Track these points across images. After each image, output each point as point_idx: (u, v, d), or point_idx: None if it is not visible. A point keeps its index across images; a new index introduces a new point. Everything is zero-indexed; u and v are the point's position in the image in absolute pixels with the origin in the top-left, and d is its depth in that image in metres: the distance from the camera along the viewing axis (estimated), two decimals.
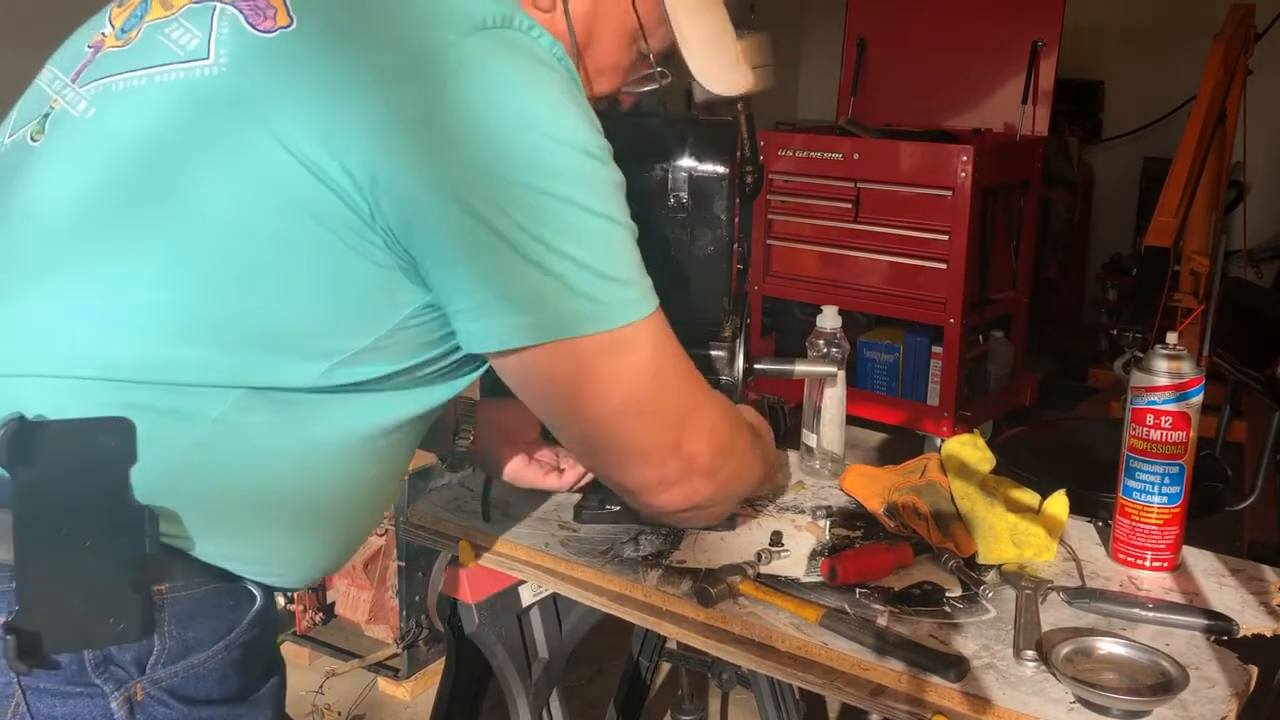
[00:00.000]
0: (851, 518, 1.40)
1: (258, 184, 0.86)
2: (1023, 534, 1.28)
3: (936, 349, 3.77)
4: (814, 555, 1.29)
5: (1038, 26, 3.90)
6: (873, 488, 1.40)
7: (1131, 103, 4.78)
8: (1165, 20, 4.57)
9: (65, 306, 0.88)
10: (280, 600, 2.55)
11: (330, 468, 0.95)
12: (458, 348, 0.96)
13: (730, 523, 1.36)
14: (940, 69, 4.07)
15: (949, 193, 3.54)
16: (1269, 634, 1.15)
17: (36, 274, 0.90)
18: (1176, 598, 1.22)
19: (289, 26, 0.91)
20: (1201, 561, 1.31)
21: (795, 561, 1.28)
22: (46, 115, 0.98)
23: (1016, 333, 4.04)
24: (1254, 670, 1.08)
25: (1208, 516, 1.90)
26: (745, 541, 1.33)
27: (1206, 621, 1.15)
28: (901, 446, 3.88)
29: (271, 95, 0.87)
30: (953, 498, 1.35)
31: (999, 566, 1.27)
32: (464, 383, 1.02)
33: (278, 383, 0.89)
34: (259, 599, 0.96)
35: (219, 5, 0.95)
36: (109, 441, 0.83)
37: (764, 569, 1.26)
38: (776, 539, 1.32)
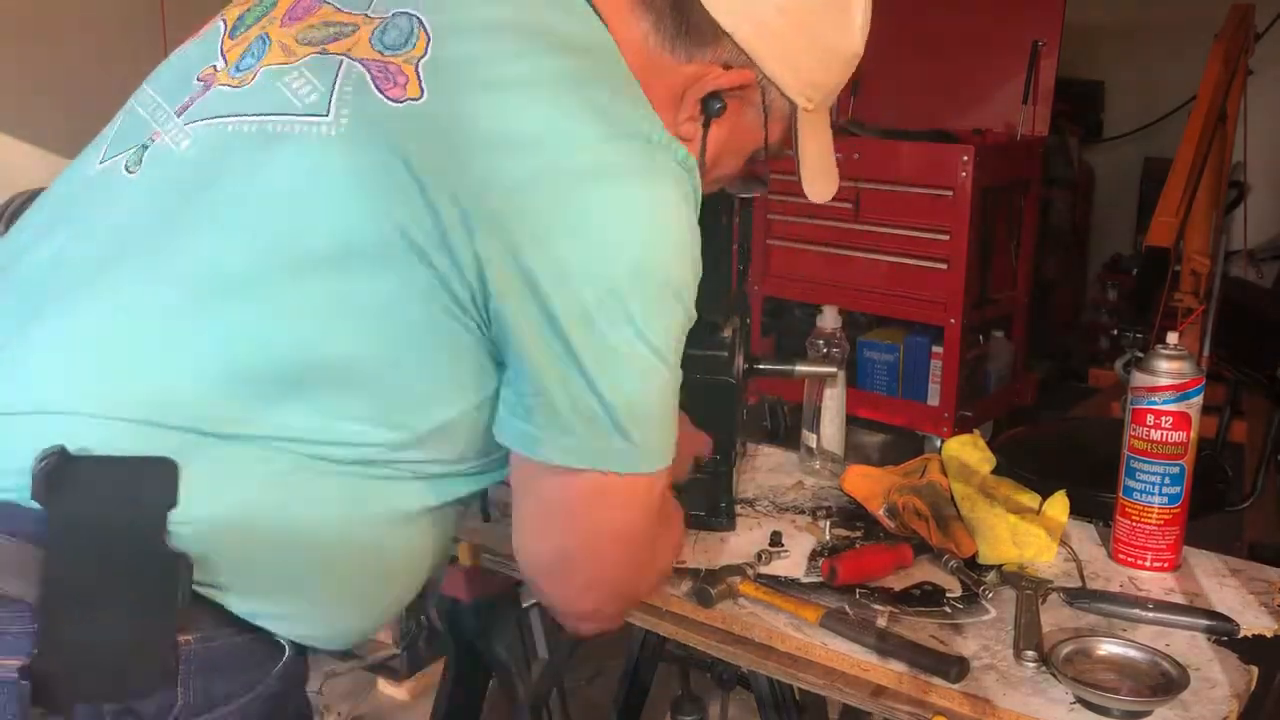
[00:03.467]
0: (851, 518, 1.40)
1: (370, 255, 0.85)
2: (1023, 534, 1.28)
3: (936, 349, 3.76)
4: (814, 555, 1.29)
5: (1038, 26, 3.89)
6: (873, 488, 1.40)
7: (1131, 103, 4.78)
8: (1165, 20, 4.56)
9: (135, 343, 0.86)
10: None
11: (379, 537, 0.94)
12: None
13: (730, 523, 1.36)
14: (940, 69, 4.06)
15: (949, 193, 3.53)
16: (1270, 634, 1.15)
17: (114, 302, 0.87)
18: (1177, 598, 1.22)
19: (419, 100, 0.88)
20: (1202, 562, 1.30)
21: (795, 561, 1.28)
22: (145, 147, 0.95)
23: (1016, 333, 4.03)
24: (1255, 671, 1.07)
25: (1208, 517, 1.90)
26: (745, 541, 1.33)
27: (1207, 622, 1.14)
28: (901, 446, 3.88)
29: (389, 168, 0.86)
30: (953, 498, 1.35)
31: (999, 567, 1.27)
32: None
33: (351, 451, 0.88)
34: (288, 652, 0.93)
35: (346, 60, 0.92)
36: (151, 482, 0.81)
37: (764, 569, 1.26)
38: (776, 539, 1.32)
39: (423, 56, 0.90)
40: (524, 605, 1.44)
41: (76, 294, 0.88)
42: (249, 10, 1.02)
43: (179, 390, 0.84)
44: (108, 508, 0.80)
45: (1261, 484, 2.25)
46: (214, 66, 0.98)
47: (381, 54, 0.91)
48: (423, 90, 0.88)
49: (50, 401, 0.84)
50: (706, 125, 1.00)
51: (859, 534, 1.36)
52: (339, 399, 0.87)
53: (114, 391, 0.84)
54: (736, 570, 1.22)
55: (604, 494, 0.93)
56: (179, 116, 0.95)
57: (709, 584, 1.19)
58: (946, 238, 3.57)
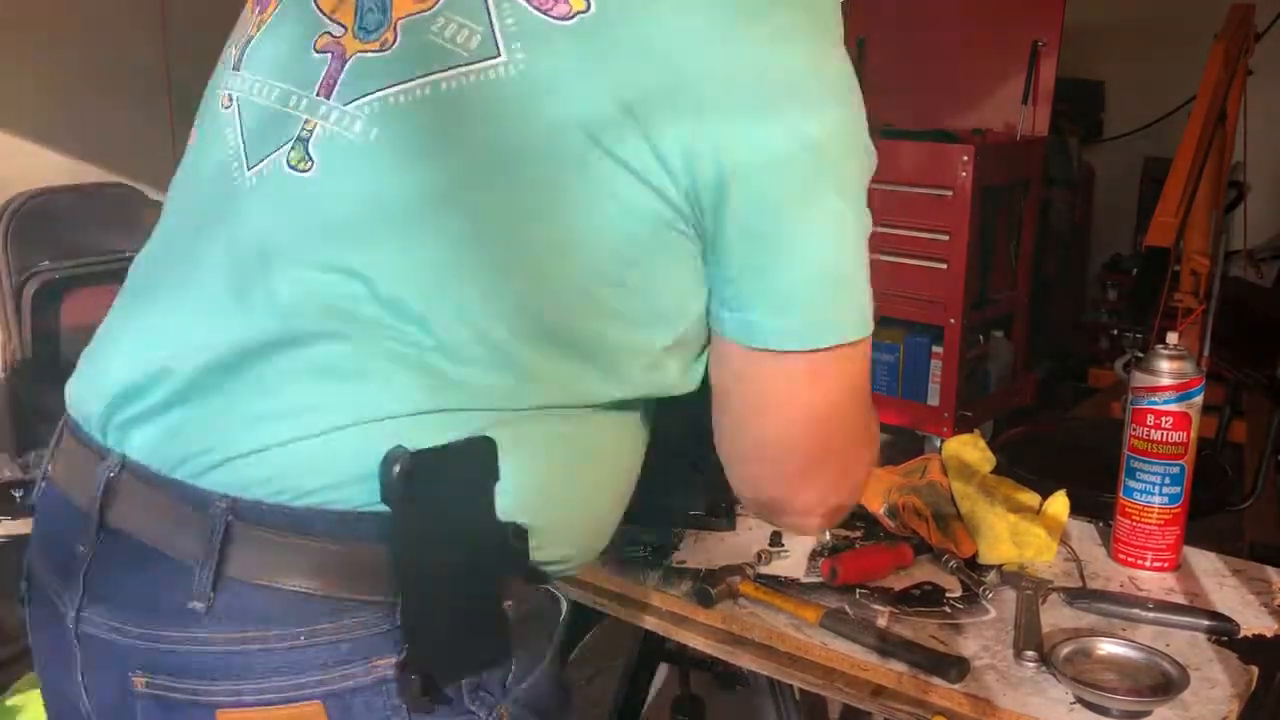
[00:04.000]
0: (851, 518, 1.40)
1: (601, 193, 0.82)
2: (1023, 534, 1.28)
3: (936, 349, 3.76)
4: (814, 555, 1.29)
5: (1038, 26, 3.89)
6: (873, 488, 1.40)
7: (1131, 103, 4.77)
8: (1165, 20, 4.56)
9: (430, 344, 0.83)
10: None
11: (633, 454, 0.96)
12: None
13: (730, 522, 1.36)
14: (940, 69, 4.06)
15: (949, 193, 3.53)
16: (1270, 634, 1.15)
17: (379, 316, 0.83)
18: (1177, 598, 1.22)
19: (587, 11, 0.82)
20: (1202, 562, 1.30)
21: (795, 561, 1.28)
22: (304, 140, 0.87)
23: (1016, 333, 4.03)
24: (1255, 671, 1.07)
25: (1208, 516, 1.91)
26: (745, 541, 1.33)
27: (1207, 622, 1.14)
28: (901, 446, 3.88)
29: (588, 96, 0.81)
30: (953, 498, 1.35)
31: (999, 567, 1.27)
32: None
33: (612, 387, 0.88)
34: (564, 602, 0.95)
35: None
36: (477, 464, 0.82)
37: (764, 569, 1.26)
38: (776, 539, 1.32)
39: None
40: None
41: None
42: None
43: (472, 375, 0.83)
44: (449, 498, 0.82)
45: (1261, 484, 2.25)
46: (329, 33, 0.90)
47: None
48: (588, 3, 0.82)
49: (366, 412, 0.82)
50: None
51: (859, 534, 1.36)
52: (602, 339, 0.87)
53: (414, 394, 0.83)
54: (736, 570, 1.22)
55: (826, 368, 0.89)
56: (328, 98, 0.87)
57: (709, 584, 1.19)
58: (946, 238, 3.57)
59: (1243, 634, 1.14)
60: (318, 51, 0.89)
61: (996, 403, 3.99)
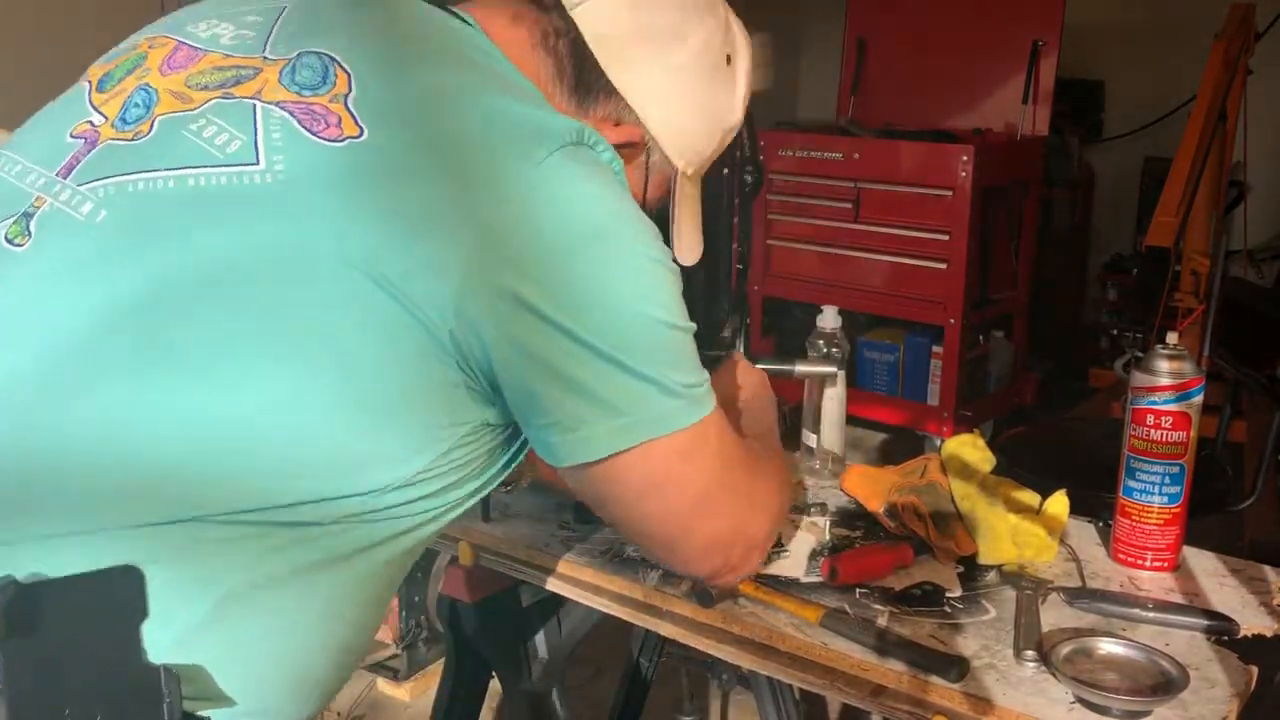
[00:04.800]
0: (851, 518, 1.40)
1: (339, 305, 0.80)
2: (1023, 534, 1.28)
3: (936, 349, 3.77)
4: (814, 555, 1.29)
5: (1038, 26, 3.90)
6: (873, 488, 1.40)
7: (1131, 103, 4.77)
8: (1165, 20, 4.56)
9: (91, 435, 0.78)
10: None
11: (353, 602, 0.89)
12: (488, 470, 0.95)
13: None
14: (940, 69, 4.07)
15: (949, 193, 3.54)
16: (1270, 634, 1.15)
17: (51, 404, 0.79)
18: (1177, 598, 1.22)
19: (359, 137, 0.83)
20: (1202, 561, 1.30)
21: (795, 561, 1.27)
22: (29, 215, 0.84)
23: (1016, 333, 4.04)
24: (1254, 670, 1.07)
25: (1208, 516, 1.90)
26: None
27: (1207, 621, 1.14)
28: (901, 446, 3.88)
29: (346, 214, 0.81)
30: (953, 498, 1.35)
31: (999, 567, 1.27)
32: (464, 509, 0.97)
33: (334, 510, 0.83)
34: None
35: (260, 104, 0.85)
36: (118, 597, 0.73)
37: (764, 569, 1.26)
38: (776, 539, 1.32)
39: (348, 94, 0.85)
40: (524, 605, 1.45)
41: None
42: (116, 67, 0.94)
43: (133, 480, 0.77)
44: (74, 636, 0.72)
45: (1261, 484, 2.25)
46: (90, 122, 0.89)
47: (300, 95, 0.86)
48: (360, 128, 0.83)
49: None
50: None
51: (859, 534, 1.36)
52: (323, 457, 0.82)
53: (65, 502, 0.76)
54: None
55: (670, 458, 0.92)
56: (65, 178, 0.86)
57: (709, 584, 1.19)
58: (946, 238, 3.57)
59: (1242, 634, 1.14)
60: (72, 137, 0.89)
61: (996, 403, 3.99)
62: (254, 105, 0.85)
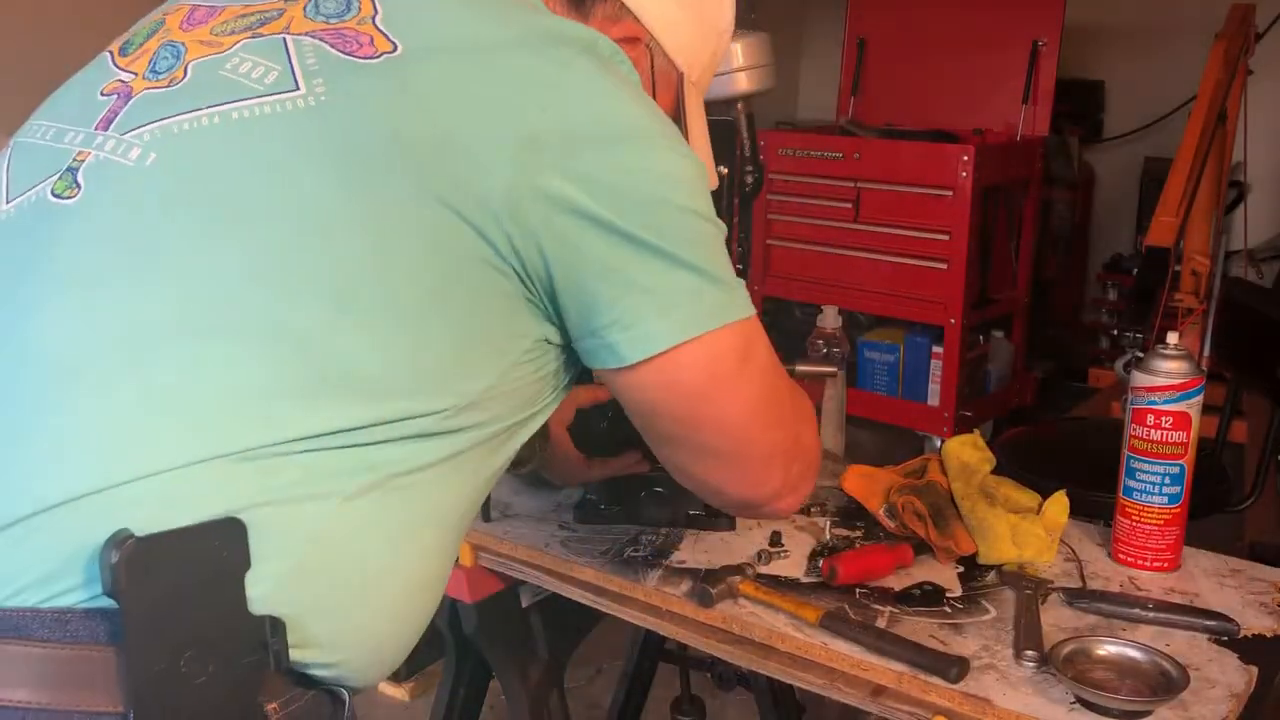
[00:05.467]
0: (851, 518, 1.40)
1: (399, 226, 0.81)
2: (1023, 534, 1.28)
3: (936, 349, 3.76)
4: (814, 555, 1.29)
5: (1038, 26, 3.90)
6: (873, 488, 1.40)
7: (1131, 103, 4.77)
8: (1165, 20, 4.56)
9: (171, 383, 0.76)
10: None
11: (427, 548, 0.89)
12: (544, 397, 0.94)
13: (730, 522, 1.36)
14: (940, 69, 4.06)
15: (949, 193, 3.53)
16: (1270, 634, 1.15)
17: (129, 353, 0.77)
18: (1177, 598, 1.22)
19: (393, 52, 0.84)
20: (1202, 562, 1.30)
21: (795, 561, 1.28)
22: (73, 170, 0.84)
23: (1016, 333, 4.03)
24: (1254, 671, 1.07)
25: (1208, 516, 1.90)
26: (745, 541, 1.33)
27: (1207, 622, 1.14)
28: (901, 446, 3.88)
29: (394, 127, 0.81)
30: (953, 498, 1.35)
31: (999, 567, 1.27)
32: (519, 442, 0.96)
33: (408, 428, 0.82)
34: (347, 702, 0.86)
35: (289, 37, 0.86)
36: (223, 549, 0.73)
37: (764, 569, 1.26)
38: (776, 539, 1.32)
39: (374, 15, 0.86)
40: (524, 605, 1.45)
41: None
42: (135, 34, 0.95)
43: (242, 415, 0.77)
44: (185, 588, 0.73)
45: (1261, 484, 2.25)
46: (119, 79, 0.89)
47: (328, 23, 0.86)
48: (393, 44, 0.84)
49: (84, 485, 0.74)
50: None
51: (859, 534, 1.36)
52: (395, 381, 0.82)
53: (157, 447, 0.75)
54: (736, 570, 1.22)
55: (723, 356, 0.91)
56: (106, 130, 0.85)
57: (709, 584, 1.19)
58: (946, 238, 3.57)
59: (1243, 634, 1.14)
60: (104, 94, 0.89)
61: (996, 403, 3.99)
62: (283, 39, 0.86)
